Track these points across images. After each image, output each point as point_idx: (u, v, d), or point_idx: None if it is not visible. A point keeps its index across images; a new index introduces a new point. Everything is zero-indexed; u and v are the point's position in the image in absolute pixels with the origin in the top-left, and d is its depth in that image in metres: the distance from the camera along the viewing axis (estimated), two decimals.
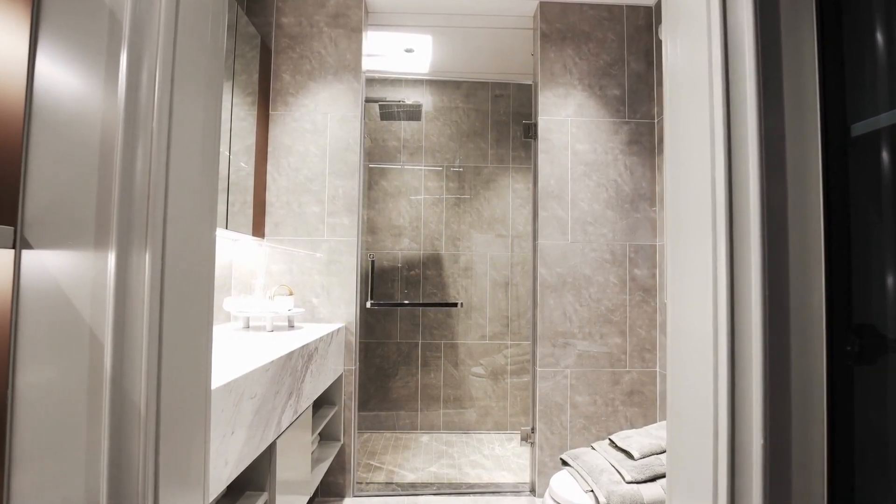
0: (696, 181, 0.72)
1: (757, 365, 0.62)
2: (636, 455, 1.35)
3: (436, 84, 3.26)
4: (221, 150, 1.89)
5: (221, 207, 1.87)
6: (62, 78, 0.59)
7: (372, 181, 3.23)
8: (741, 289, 0.65)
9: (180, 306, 0.69)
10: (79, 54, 0.59)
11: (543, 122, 2.30)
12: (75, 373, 0.59)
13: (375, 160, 3.24)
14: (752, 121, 0.65)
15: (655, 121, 2.32)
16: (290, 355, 1.39)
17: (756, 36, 0.64)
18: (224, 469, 0.98)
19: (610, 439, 1.50)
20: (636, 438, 1.43)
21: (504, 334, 3.22)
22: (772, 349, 0.62)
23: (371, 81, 3.20)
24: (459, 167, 3.25)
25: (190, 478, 0.71)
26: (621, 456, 1.39)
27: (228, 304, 1.85)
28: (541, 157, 2.29)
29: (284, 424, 1.37)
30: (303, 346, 1.52)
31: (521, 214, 3.25)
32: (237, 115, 2.08)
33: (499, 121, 3.26)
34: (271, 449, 1.31)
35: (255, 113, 2.19)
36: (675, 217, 0.81)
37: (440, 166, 3.25)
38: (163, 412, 0.65)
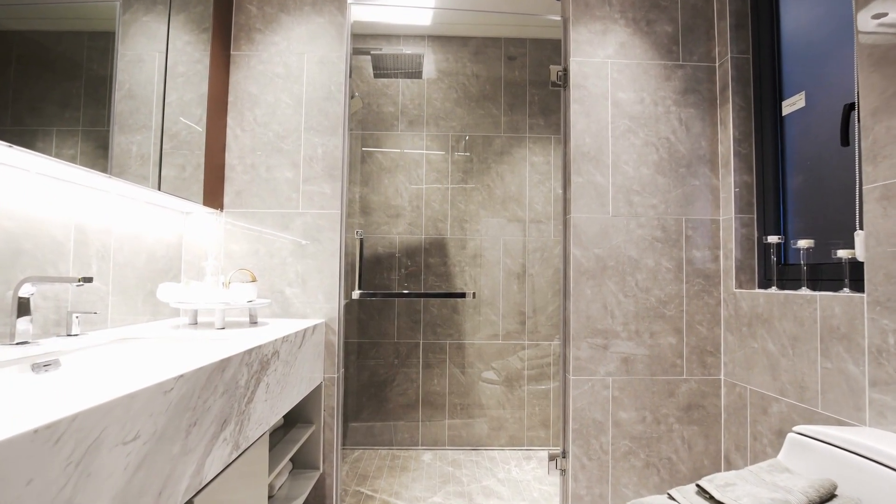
0: None
1: None
2: None
3: (440, 40, 2.78)
4: (154, 98, 1.42)
5: (153, 169, 1.40)
6: None
7: (365, 154, 2.76)
8: None
9: None
10: None
11: (576, 64, 1.82)
12: None
13: (369, 129, 2.76)
14: None
15: (717, 64, 1.84)
16: (223, 364, 0.92)
17: None
18: None
19: (699, 486, 1.02)
20: (745, 488, 0.95)
21: (520, 333, 2.74)
22: None
23: (363, 37, 2.72)
24: (466, 150, 2.77)
25: None
26: None
27: (163, 292, 1.38)
28: (573, 108, 1.81)
29: (213, 471, 0.90)
30: (249, 350, 1.05)
31: (540, 192, 2.77)
32: (189, 56, 1.62)
33: (513, 83, 2.78)
34: None
35: (210, 53, 1.71)
36: None
37: (445, 139, 2.77)
38: None
